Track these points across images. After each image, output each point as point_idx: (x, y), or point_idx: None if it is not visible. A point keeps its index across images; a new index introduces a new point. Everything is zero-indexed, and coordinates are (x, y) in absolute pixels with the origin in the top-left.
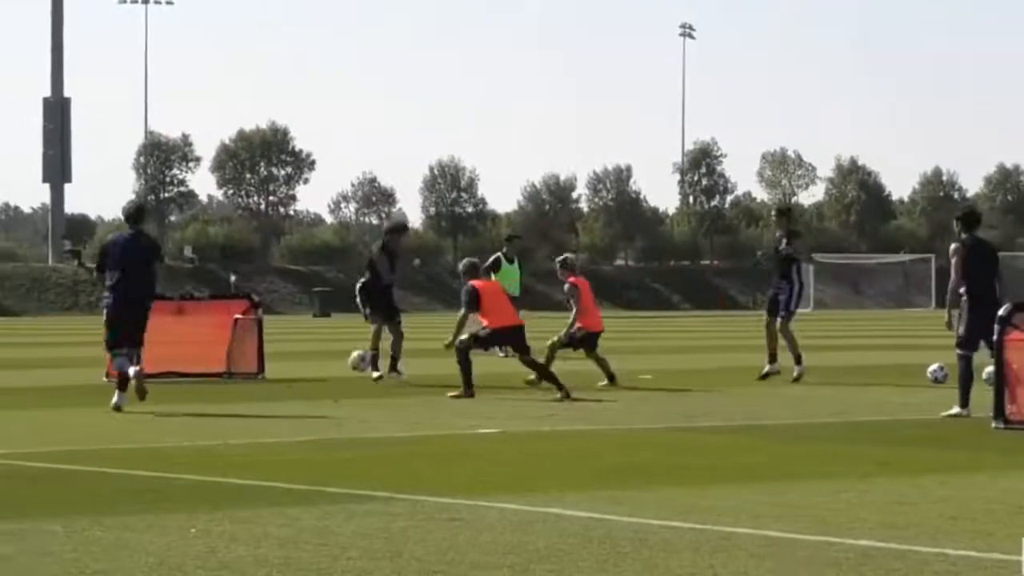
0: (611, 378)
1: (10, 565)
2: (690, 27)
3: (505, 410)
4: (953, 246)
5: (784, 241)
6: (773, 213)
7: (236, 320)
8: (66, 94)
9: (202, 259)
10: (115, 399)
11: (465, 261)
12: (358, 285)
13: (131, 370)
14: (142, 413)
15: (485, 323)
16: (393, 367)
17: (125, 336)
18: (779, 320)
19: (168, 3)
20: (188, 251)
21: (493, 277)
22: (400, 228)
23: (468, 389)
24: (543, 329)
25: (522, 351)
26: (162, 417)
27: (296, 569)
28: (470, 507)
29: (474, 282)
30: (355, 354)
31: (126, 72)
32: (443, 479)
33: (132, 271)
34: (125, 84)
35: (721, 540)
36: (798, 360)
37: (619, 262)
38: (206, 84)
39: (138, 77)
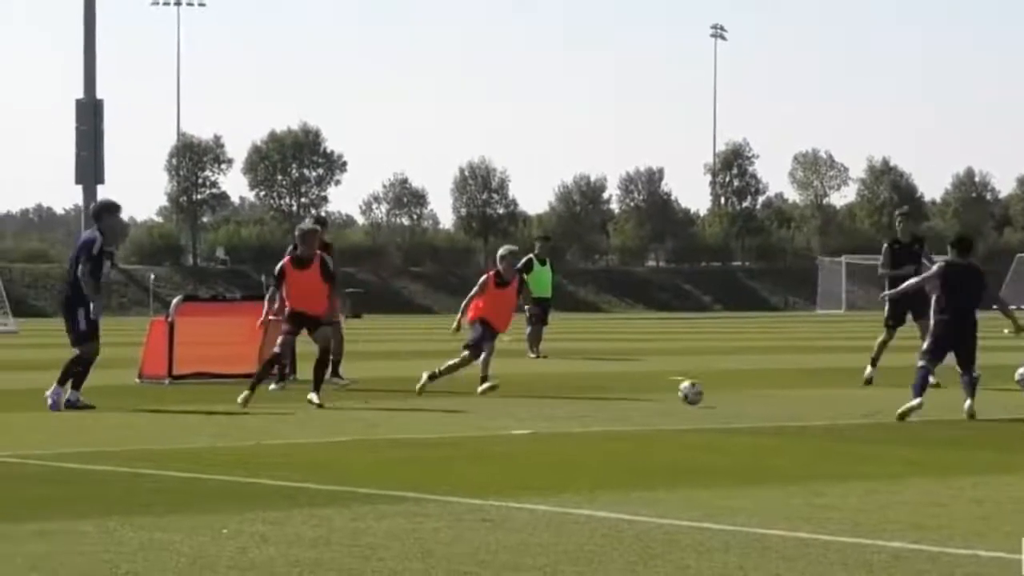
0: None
1: (42, 564)
2: (721, 28)
3: (536, 411)
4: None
5: (917, 245)
6: (899, 216)
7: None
8: (99, 96)
9: (234, 260)
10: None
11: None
12: None
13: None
14: (176, 414)
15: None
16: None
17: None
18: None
19: (200, 4)
20: (220, 253)
21: (525, 278)
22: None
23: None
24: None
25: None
26: (195, 417)
27: (327, 570)
28: (501, 508)
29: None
30: None
31: (158, 74)
32: (474, 480)
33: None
34: (157, 86)
35: (752, 542)
36: None
37: (650, 263)
38: (238, 85)
39: (170, 78)
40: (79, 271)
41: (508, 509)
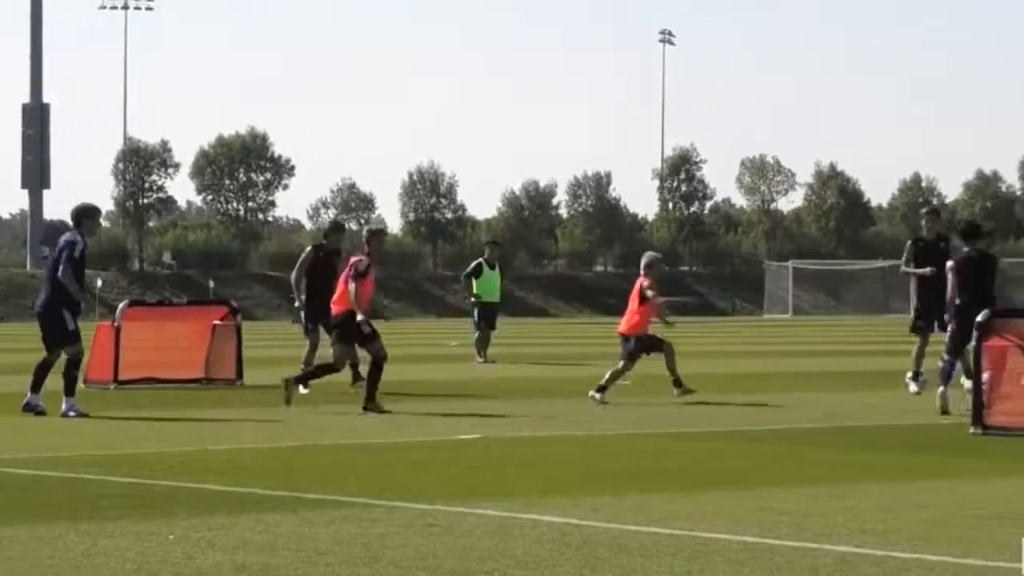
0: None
1: None
2: (670, 33)
3: (484, 416)
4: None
5: (943, 242)
6: (925, 214)
7: (215, 326)
8: (45, 100)
9: (181, 265)
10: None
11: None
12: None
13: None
14: (121, 420)
15: None
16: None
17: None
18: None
19: (148, 8)
20: (167, 257)
21: (474, 283)
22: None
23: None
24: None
25: None
26: (140, 423)
27: (274, 575)
28: (448, 513)
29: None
30: None
31: (105, 78)
32: (421, 485)
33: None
34: (104, 90)
35: (699, 546)
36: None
37: (598, 268)
38: (185, 90)
39: (117, 83)
40: (60, 274)
41: (455, 514)
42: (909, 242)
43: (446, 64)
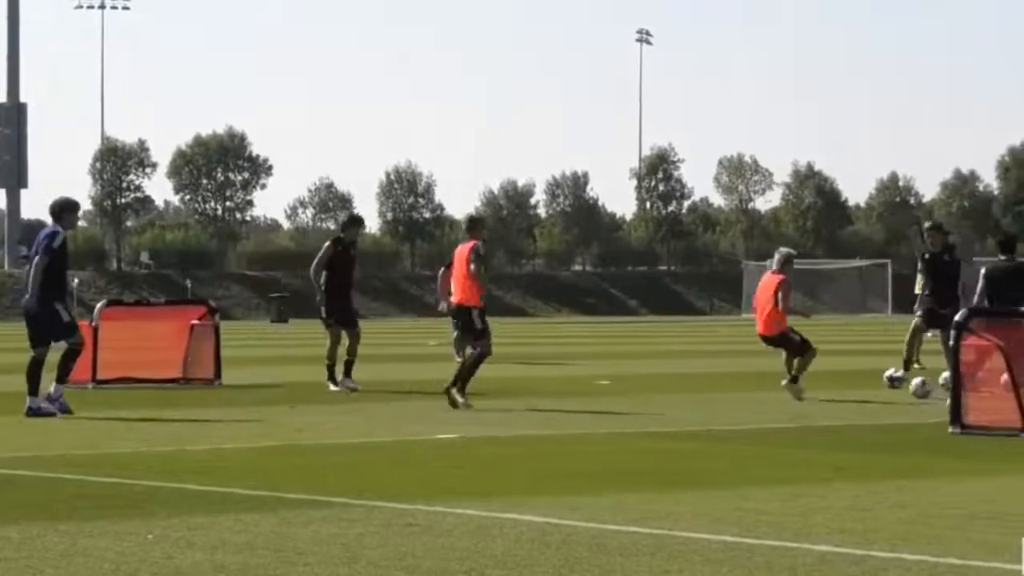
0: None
1: None
2: (647, 33)
3: (463, 416)
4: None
5: (947, 254)
6: (929, 230)
7: (193, 326)
8: (22, 99)
9: (158, 265)
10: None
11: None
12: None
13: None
14: (100, 419)
15: None
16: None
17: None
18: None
19: (125, 8)
20: (144, 257)
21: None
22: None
23: None
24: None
25: None
26: (118, 422)
27: (253, 575)
28: (427, 513)
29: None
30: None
31: (82, 77)
32: (400, 485)
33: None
34: (81, 89)
35: (678, 546)
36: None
37: (577, 267)
38: (163, 89)
39: (94, 82)
40: (35, 263)
41: (434, 514)
42: (920, 263)
43: (423, 63)
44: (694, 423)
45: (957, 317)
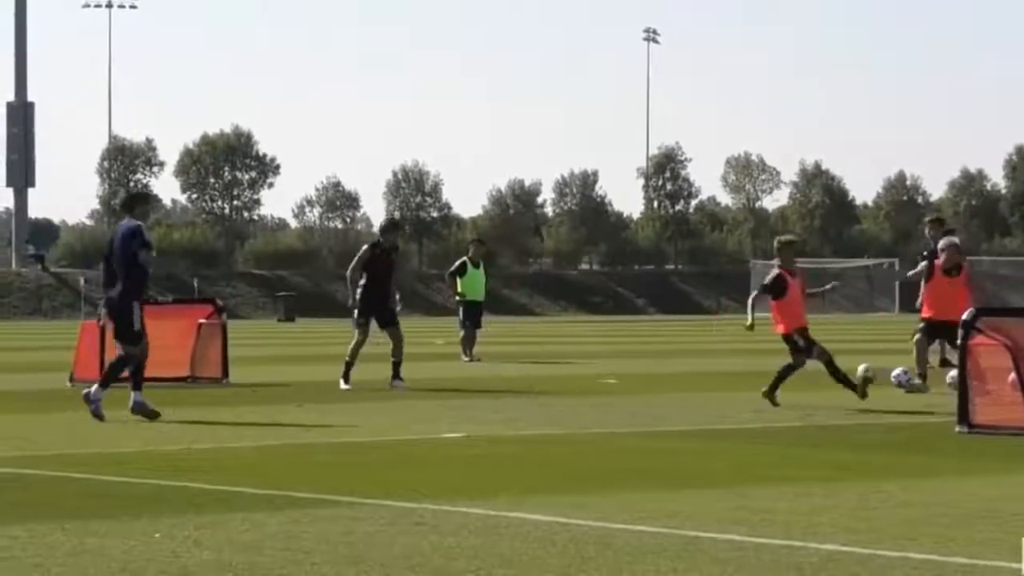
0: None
1: None
2: (654, 32)
3: (469, 415)
4: None
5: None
6: (929, 223)
7: (200, 324)
8: (30, 98)
9: (166, 264)
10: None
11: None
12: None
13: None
14: (107, 420)
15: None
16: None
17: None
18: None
19: (132, 7)
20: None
21: (459, 281)
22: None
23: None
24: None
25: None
26: (126, 422)
27: (260, 574)
28: (434, 512)
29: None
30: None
31: (90, 76)
32: (407, 484)
33: (114, 264)
34: (89, 88)
35: (685, 544)
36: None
37: (584, 266)
38: (170, 88)
39: (102, 81)
40: (141, 257)
41: (441, 513)
42: (922, 259)
43: (431, 62)
44: (701, 422)
45: (964, 316)
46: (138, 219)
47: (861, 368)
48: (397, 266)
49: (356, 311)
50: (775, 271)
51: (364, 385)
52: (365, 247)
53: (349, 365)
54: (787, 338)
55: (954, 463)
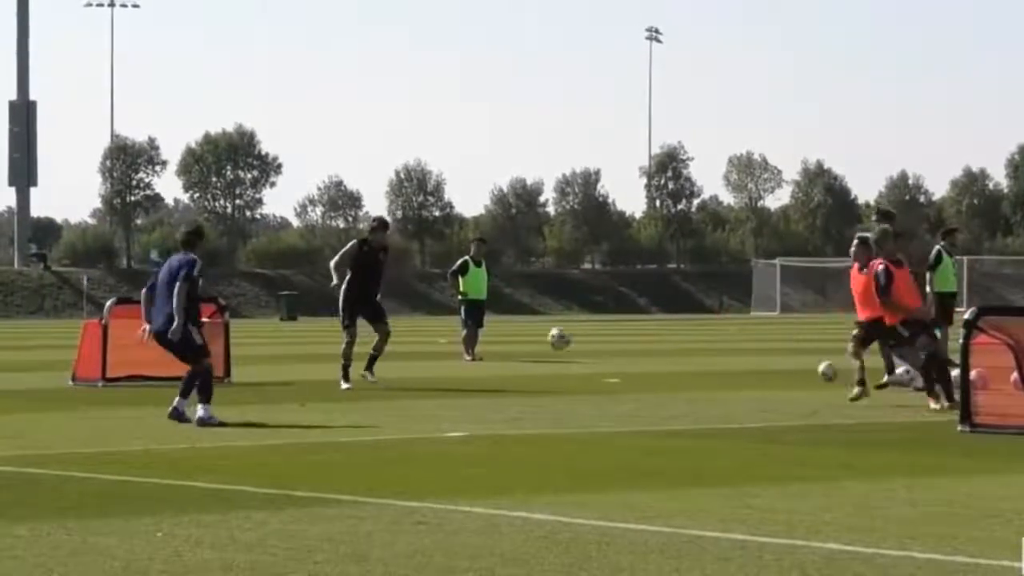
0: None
1: None
2: (656, 31)
3: (471, 414)
4: None
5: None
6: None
7: (202, 324)
8: (32, 97)
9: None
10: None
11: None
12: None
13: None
14: (109, 418)
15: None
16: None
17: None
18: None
19: (134, 6)
20: (154, 255)
21: (461, 280)
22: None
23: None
24: (507, 332)
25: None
26: (128, 421)
27: (262, 573)
28: (436, 511)
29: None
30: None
31: (92, 75)
32: (410, 483)
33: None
34: (91, 87)
35: (687, 543)
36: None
37: (586, 266)
38: (172, 87)
39: (104, 80)
40: (177, 289)
41: (443, 512)
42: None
43: (433, 62)
44: (703, 421)
45: (967, 315)
46: (196, 253)
47: (822, 366)
48: (386, 268)
49: (341, 313)
50: (882, 265)
51: (365, 385)
52: (353, 243)
53: (346, 367)
54: (891, 329)
55: (957, 462)
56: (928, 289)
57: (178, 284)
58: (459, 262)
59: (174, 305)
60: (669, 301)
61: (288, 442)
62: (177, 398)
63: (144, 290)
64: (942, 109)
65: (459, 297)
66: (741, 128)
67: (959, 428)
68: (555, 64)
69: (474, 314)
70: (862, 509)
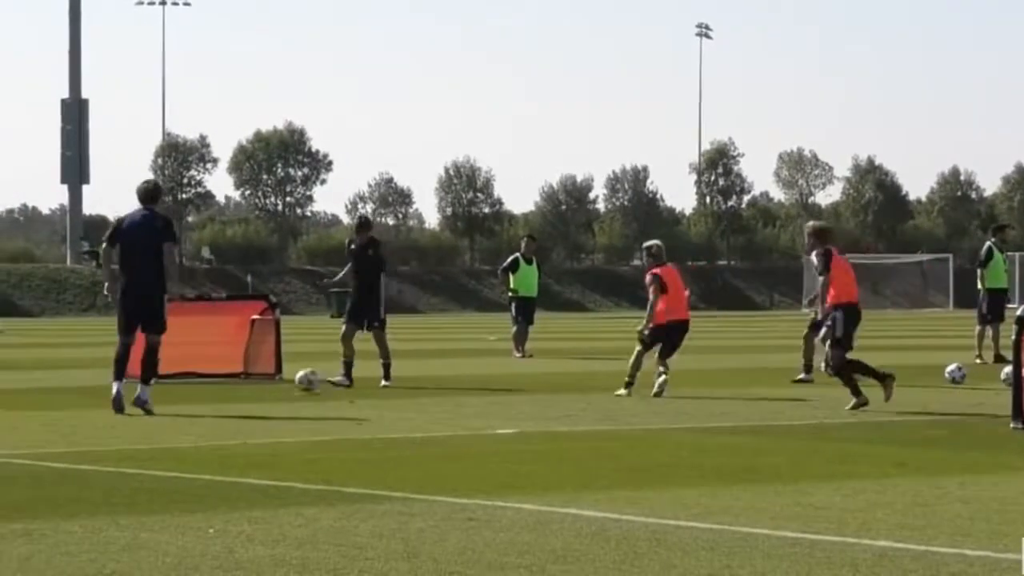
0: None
1: (28, 565)
2: (707, 27)
3: (522, 411)
4: None
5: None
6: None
7: (254, 321)
8: (84, 95)
9: (219, 260)
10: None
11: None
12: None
13: (114, 387)
14: (161, 414)
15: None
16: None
17: (132, 327)
18: None
19: (186, 4)
20: (206, 252)
21: (511, 277)
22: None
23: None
24: (557, 329)
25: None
26: (180, 417)
27: (313, 569)
28: (487, 507)
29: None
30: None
31: (144, 73)
32: (460, 479)
33: (141, 255)
34: (143, 85)
35: (738, 541)
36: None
37: (636, 262)
38: (223, 85)
39: (155, 78)
40: (169, 249)
41: (494, 508)
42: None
43: (483, 59)
44: (753, 418)
45: (1019, 312)
46: (157, 210)
47: (950, 368)
48: (386, 265)
49: (346, 311)
50: None
51: (411, 383)
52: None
53: (347, 364)
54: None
55: (1010, 459)
56: (979, 285)
57: (167, 245)
58: (510, 259)
59: (167, 268)
60: (718, 298)
61: (339, 438)
62: (140, 385)
63: (105, 245)
64: (994, 105)
65: (510, 294)
66: (791, 124)
67: (1012, 426)
68: (605, 60)
69: (525, 311)
70: (914, 506)
